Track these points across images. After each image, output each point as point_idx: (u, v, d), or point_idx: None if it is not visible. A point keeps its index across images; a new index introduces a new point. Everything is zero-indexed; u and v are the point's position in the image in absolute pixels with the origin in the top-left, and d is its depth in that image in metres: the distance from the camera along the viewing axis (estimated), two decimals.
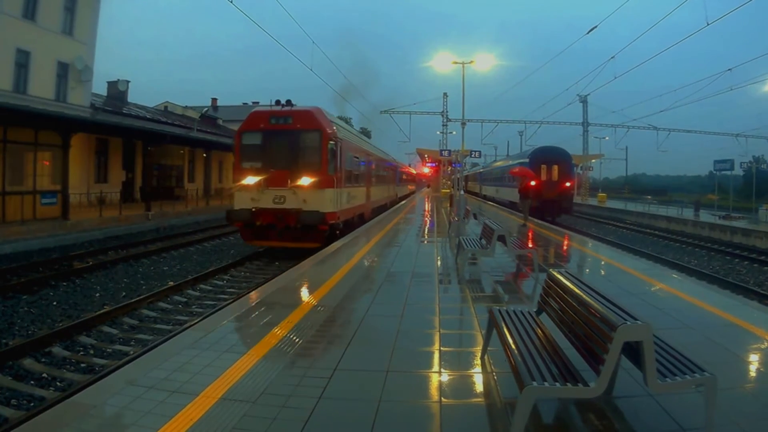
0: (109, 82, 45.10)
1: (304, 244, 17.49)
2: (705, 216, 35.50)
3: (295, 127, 18.01)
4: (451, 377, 5.18)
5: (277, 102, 18.67)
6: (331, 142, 18.15)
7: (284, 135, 18.13)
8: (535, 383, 3.65)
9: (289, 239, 17.84)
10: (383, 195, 35.91)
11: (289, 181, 17.53)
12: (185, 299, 12.89)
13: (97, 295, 13.05)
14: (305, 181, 17.45)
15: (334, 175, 18.44)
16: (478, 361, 5.58)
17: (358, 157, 24.11)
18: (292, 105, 18.66)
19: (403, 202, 47.17)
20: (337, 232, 18.68)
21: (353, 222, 22.49)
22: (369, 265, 11.77)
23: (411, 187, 74.15)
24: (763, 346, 6.30)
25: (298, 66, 25.85)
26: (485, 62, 32.12)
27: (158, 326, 10.72)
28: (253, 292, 8.96)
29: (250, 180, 17.74)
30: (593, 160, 68.97)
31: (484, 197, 59.17)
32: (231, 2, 16.78)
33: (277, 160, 17.99)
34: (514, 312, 5.35)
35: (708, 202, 45.07)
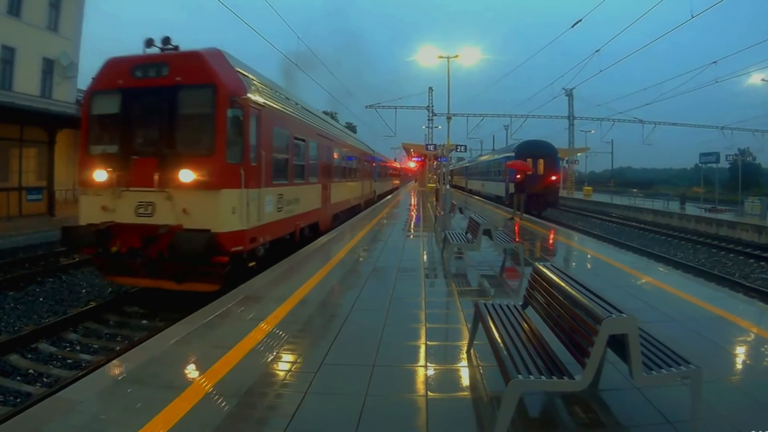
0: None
1: (189, 286, 10.40)
2: (691, 209, 35.80)
3: (173, 82, 10.32)
4: (437, 371, 5.17)
5: (148, 42, 11.04)
6: (237, 106, 10.43)
7: (155, 96, 10.48)
8: (520, 376, 3.65)
9: (164, 277, 10.41)
10: (353, 194, 27.16)
11: (156, 177, 10.08)
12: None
13: (84, 291, 12.91)
14: (186, 176, 9.92)
15: (242, 165, 10.46)
16: (464, 355, 5.57)
17: (303, 140, 15.57)
18: (173, 47, 11.10)
19: (387, 197, 45.32)
20: (251, 264, 11.19)
21: (295, 239, 14.66)
22: (354, 260, 11.75)
23: (396, 182, 71.72)
24: (748, 339, 6.35)
25: (289, 51, 25.37)
26: (470, 56, 32.08)
27: (145, 322, 10.63)
28: (236, 289, 8.89)
29: (100, 176, 10.44)
30: (579, 154, 69.28)
31: (470, 191, 59.30)
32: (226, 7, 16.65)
33: (142, 141, 10.71)
34: (500, 306, 5.36)
35: (694, 194, 45.35)
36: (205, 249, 9.49)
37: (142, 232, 9.98)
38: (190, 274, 10.21)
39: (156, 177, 10.07)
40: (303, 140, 15.59)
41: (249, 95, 10.99)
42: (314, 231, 17.11)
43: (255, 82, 11.95)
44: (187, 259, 9.70)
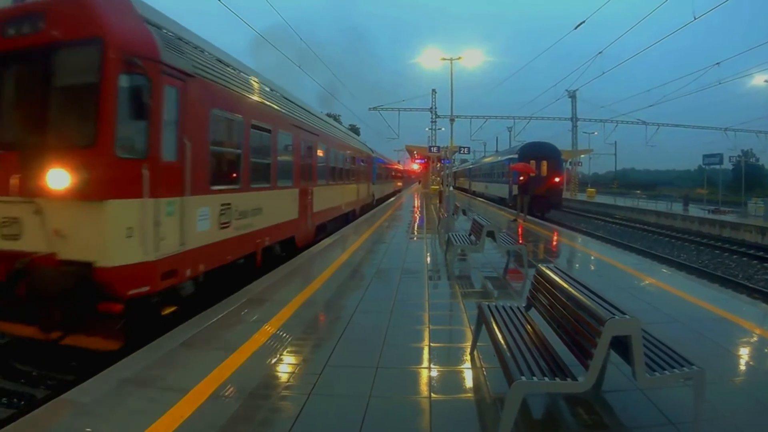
0: None
1: (74, 340, 6.92)
2: (694, 210, 35.74)
3: (48, 39, 6.83)
4: (440, 373, 5.18)
5: None
6: (139, 71, 6.77)
7: (27, 61, 7.13)
8: (523, 378, 3.66)
9: (43, 325, 6.86)
10: (345, 199, 22.69)
11: (17, 180, 6.74)
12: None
13: None
14: (55, 179, 6.51)
15: (147, 162, 6.92)
16: (467, 357, 5.58)
17: (268, 131, 11.69)
18: None
19: (389, 200, 44.12)
20: (168, 311, 7.68)
21: (255, 263, 10.73)
22: (358, 262, 11.76)
23: (398, 185, 70.27)
24: (751, 340, 6.35)
25: (294, 59, 25.16)
26: (473, 58, 32.19)
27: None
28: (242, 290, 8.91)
29: None
30: (582, 156, 69.23)
31: (474, 193, 59.27)
32: (219, 1, 16.65)
33: (6, 128, 7.26)
34: (503, 307, 5.37)
35: (697, 196, 45.37)
36: (76, 293, 6.27)
37: (5, 261, 6.53)
38: (73, 322, 6.71)
39: (16, 180, 6.66)
40: (269, 131, 11.64)
41: (165, 58, 7.22)
42: (289, 248, 13.36)
43: (181, 43, 8.08)
44: (52, 306, 6.51)
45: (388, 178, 52.52)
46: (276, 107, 12.56)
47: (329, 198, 18.84)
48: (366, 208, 30.46)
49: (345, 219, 23.18)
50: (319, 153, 17.18)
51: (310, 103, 18.97)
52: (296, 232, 13.97)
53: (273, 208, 11.77)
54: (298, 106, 15.33)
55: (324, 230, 18.10)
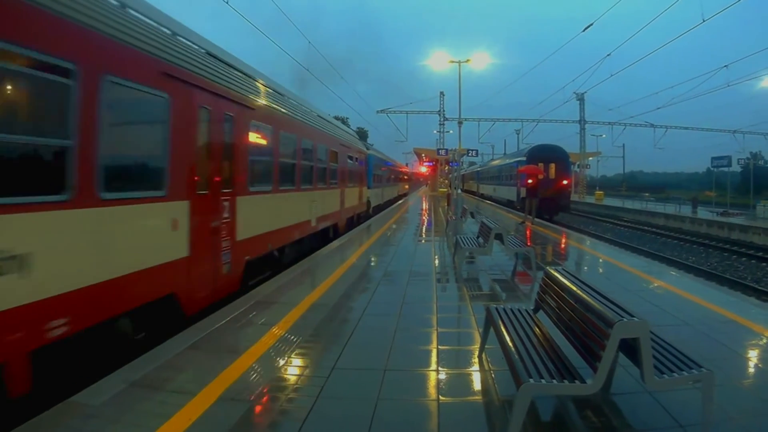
0: None
1: None
2: (703, 213, 35.59)
3: None
4: (449, 375, 5.18)
5: None
6: None
7: None
8: (532, 380, 3.65)
9: None
10: (317, 211, 15.45)
11: None
12: None
13: None
14: None
15: None
16: (475, 359, 5.58)
17: (55, 70, 4.71)
18: None
19: (398, 203, 43.64)
20: None
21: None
22: (366, 264, 11.76)
23: (405, 187, 68.25)
24: (760, 342, 6.33)
25: (300, 55, 24.78)
26: (481, 61, 32.10)
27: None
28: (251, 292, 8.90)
29: None
30: (590, 158, 69.14)
31: (482, 196, 59.25)
32: (227, 3, 16.66)
33: None
34: (512, 310, 5.36)
35: (706, 198, 45.19)
36: None
37: None
38: None
39: None
40: (62, 73, 4.83)
41: None
42: (162, 320, 7.07)
43: None
44: None
45: (389, 180, 44.11)
46: (98, 24, 5.48)
47: (280, 213, 12.13)
48: (357, 220, 24.53)
49: (322, 237, 16.82)
50: (258, 140, 10.65)
51: (318, 105, 18.30)
52: (181, 286, 7.32)
53: (86, 249, 5.42)
54: (195, 45, 8.27)
55: (276, 261, 11.97)
